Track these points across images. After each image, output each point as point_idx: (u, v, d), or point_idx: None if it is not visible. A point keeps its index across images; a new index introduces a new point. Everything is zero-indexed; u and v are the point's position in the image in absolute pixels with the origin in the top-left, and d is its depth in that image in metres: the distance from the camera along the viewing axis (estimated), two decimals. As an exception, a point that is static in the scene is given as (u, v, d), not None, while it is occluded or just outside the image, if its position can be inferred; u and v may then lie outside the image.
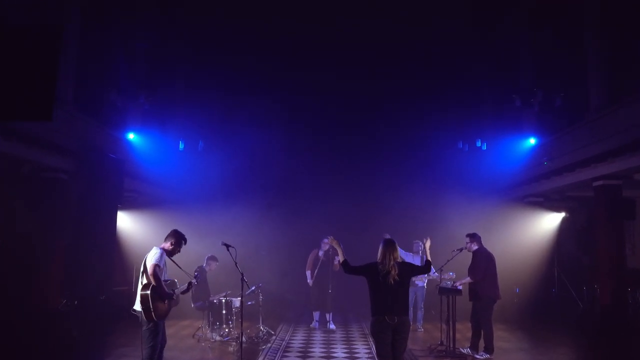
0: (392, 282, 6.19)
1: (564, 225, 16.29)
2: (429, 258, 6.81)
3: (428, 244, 6.98)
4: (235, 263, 7.63)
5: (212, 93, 16.47)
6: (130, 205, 15.53)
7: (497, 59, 16.78)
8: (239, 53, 16.54)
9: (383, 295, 6.24)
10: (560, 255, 16.00)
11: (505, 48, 16.57)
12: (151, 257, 6.76)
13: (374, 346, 6.37)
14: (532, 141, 15.47)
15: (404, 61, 16.11)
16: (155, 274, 6.67)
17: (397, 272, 6.22)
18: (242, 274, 7.76)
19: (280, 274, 15.59)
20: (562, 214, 16.24)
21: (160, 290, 6.72)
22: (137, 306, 6.71)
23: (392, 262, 6.25)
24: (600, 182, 12.80)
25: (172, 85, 16.83)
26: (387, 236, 7.97)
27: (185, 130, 16.12)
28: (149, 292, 6.63)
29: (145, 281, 6.72)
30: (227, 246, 7.65)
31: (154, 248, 6.96)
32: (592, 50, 13.25)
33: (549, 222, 16.27)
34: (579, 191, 15.34)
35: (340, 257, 6.62)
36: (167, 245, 7.03)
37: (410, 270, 6.56)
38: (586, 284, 14.82)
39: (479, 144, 15.83)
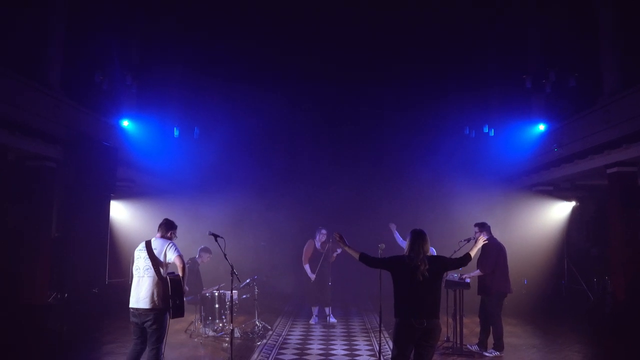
0: (422, 278, 5.49)
1: (573, 215, 15.74)
2: (472, 253, 6.29)
3: (481, 242, 6.65)
4: (225, 254, 7.04)
5: (209, 78, 15.85)
6: (126, 194, 15.09)
7: (505, 40, 16.06)
8: (237, 37, 15.91)
9: (410, 295, 5.53)
10: (570, 246, 15.46)
11: (514, 29, 15.86)
12: (171, 249, 6.31)
13: (390, 349, 5.70)
14: (542, 127, 14.89)
15: (408, 44, 15.43)
16: (187, 266, 6.34)
17: (427, 267, 5.52)
18: (232, 267, 7.18)
19: (281, 265, 15.12)
20: (572, 203, 15.70)
21: (184, 284, 6.38)
22: (150, 303, 6.16)
23: (421, 256, 5.55)
24: (614, 169, 12.23)
25: (167, 69, 16.16)
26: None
27: (181, 116, 15.53)
28: (182, 285, 6.25)
29: (164, 274, 6.25)
30: (216, 236, 7.05)
31: (159, 239, 6.46)
32: (606, 32, 12.56)
33: (559, 211, 15.74)
34: (590, 179, 14.84)
35: (354, 254, 5.95)
36: (168, 235, 6.57)
37: (443, 265, 5.81)
38: (596, 275, 14.29)
39: (486, 129, 15.16)
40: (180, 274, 6.28)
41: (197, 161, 15.44)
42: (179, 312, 6.21)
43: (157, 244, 6.41)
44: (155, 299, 6.18)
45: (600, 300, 13.73)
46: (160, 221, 6.69)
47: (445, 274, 9.09)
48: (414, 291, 5.51)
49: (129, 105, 15.02)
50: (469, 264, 9.22)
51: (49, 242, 12.26)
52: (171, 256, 6.29)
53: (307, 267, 11.67)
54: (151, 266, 6.26)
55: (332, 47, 15.57)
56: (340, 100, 16.44)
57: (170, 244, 6.39)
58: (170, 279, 6.22)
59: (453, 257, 9.14)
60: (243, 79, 15.68)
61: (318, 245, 11.69)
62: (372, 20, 15.22)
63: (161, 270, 6.26)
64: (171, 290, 6.17)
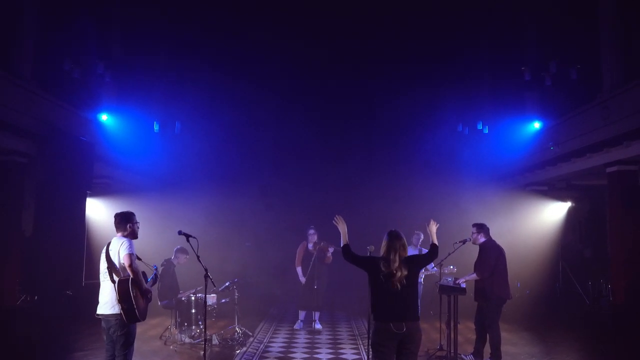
0: (399, 287, 5.06)
1: (569, 215, 15.27)
2: (435, 241, 5.59)
3: (434, 227, 5.70)
4: (197, 256, 6.42)
5: (192, 71, 15.18)
6: (103, 192, 14.47)
7: (499, 35, 15.50)
8: (223, 28, 15.25)
9: (387, 298, 5.10)
10: (564, 248, 15.00)
11: (509, 24, 15.32)
12: (122, 247, 5.63)
13: (371, 358, 5.17)
14: (537, 125, 14.36)
15: (398, 35, 14.83)
16: (135, 265, 5.62)
17: (404, 273, 5.07)
18: (205, 270, 6.55)
19: (267, 266, 14.51)
20: (567, 204, 15.25)
21: (141, 285, 5.67)
22: (110, 308, 5.59)
23: (397, 263, 5.08)
24: (614, 168, 11.78)
25: (149, 62, 15.44)
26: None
27: (162, 110, 14.83)
28: (129, 287, 5.53)
29: (116, 277, 5.59)
30: (187, 236, 6.43)
31: (117, 239, 5.77)
32: (606, 24, 12.06)
33: (553, 212, 15.27)
34: (587, 179, 14.36)
35: (342, 240, 5.54)
36: (128, 230, 5.85)
37: (417, 265, 5.36)
38: (590, 278, 13.83)
39: (480, 126, 14.59)
40: (131, 274, 5.59)
41: (178, 157, 14.81)
42: (131, 317, 5.55)
43: (114, 244, 5.74)
44: (115, 303, 5.58)
45: (596, 303, 13.33)
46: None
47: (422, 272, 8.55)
48: (391, 294, 5.09)
49: (108, 98, 14.37)
50: (467, 266, 8.77)
51: (19, 241, 11.69)
52: (122, 255, 5.63)
53: (298, 270, 11.17)
54: (106, 269, 5.67)
55: (320, 40, 14.98)
56: (329, 94, 15.80)
57: (124, 242, 5.69)
58: (118, 280, 5.58)
59: (447, 259, 8.69)
60: (228, 73, 15.05)
61: (310, 246, 11.13)
62: (361, 13, 14.60)
63: (114, 274, 5.62)
64: (118, 294, 5.53)
